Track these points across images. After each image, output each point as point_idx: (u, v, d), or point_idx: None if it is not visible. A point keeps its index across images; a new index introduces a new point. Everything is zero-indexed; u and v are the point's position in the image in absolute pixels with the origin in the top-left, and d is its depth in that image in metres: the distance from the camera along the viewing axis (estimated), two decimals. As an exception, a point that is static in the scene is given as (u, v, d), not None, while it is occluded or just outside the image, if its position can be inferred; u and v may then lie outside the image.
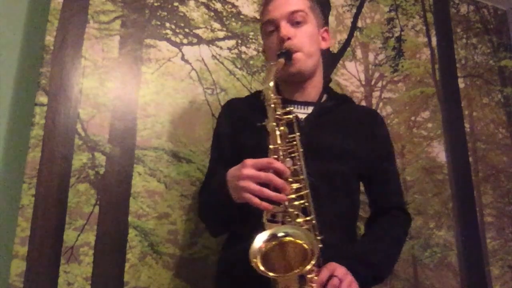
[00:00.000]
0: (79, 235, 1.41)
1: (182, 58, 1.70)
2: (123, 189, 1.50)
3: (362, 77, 2.09)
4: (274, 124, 1.03)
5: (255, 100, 1.15)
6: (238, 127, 1.23)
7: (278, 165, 0.99)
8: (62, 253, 1.38)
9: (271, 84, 1.07)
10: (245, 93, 1.69)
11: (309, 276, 0.97)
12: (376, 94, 2.11)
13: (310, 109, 1.23)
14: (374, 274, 1.12)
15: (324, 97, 1.29)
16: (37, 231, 1.35)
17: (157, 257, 1.49)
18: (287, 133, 1.05)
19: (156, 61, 1.65)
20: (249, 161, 1.00)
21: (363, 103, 2.04)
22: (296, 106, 1.22)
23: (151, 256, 1.49)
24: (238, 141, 1.21)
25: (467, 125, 2.27)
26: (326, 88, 1.30)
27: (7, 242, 1.35)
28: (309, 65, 1.22)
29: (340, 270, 1.00)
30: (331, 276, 0.99)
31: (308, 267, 0.89)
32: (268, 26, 1.24)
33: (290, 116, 1.07)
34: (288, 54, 1.16)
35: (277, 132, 1.03)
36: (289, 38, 1.18)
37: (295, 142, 1.05)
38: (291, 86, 1.25)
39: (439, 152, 2.16)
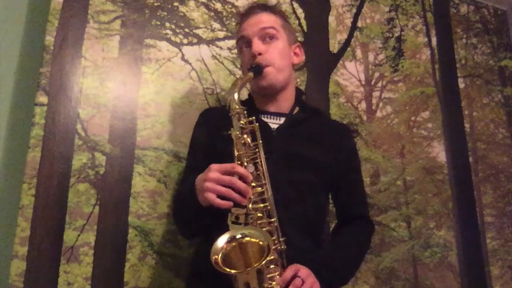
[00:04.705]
0: (79, 235, 1.41)
1: (182, 58, 1.70)
2: (123, 189, 1.50)
3: (362, 77, 2.09)
4: (238, 132, 1.11)
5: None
6: (213, 136, 1.29)
7: (241, 170, 1.06)
8: (62, 253, 1.38)
9: (236, 95, 1.15)
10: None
11: (271, 275, 1.03)
12: (376, 94, 2.11)
13: (282, 120, 1.30)
14: (337, 278, 1.18)
15: (296, 109, 1.35)
16: (37, 231, 1.35)
17: (157, 257, 1.49)
18: (250, 141, 1.12)
19: (156, 61, 1.65)
20: (214, 166, 1.07)
21: (363, 103, 2.05)
22: (269, 116, 1.30)
23: (151, 256, 1.49)
24: (213, 149, 1.27)
25: (467, 125, 2.27)
26: (299, 101, 1.36)
27: (7, 242, 1.35)
28: (279, 79, 1.28)
29: (303, 271, 1.06)
30: (294, 276, 1.04)
31: (263, 262, 0.95)
32: (241, 42, 1.32)
33: (254, 125, 1.14)
34: (258, 69, 1.24)
35: (241, 140, 1.10)
36: (260, 54, 1.26)
37: (257, 149, 1.12)
38: (264, 98, 1.32)
39: (439, 152, 2.16)
